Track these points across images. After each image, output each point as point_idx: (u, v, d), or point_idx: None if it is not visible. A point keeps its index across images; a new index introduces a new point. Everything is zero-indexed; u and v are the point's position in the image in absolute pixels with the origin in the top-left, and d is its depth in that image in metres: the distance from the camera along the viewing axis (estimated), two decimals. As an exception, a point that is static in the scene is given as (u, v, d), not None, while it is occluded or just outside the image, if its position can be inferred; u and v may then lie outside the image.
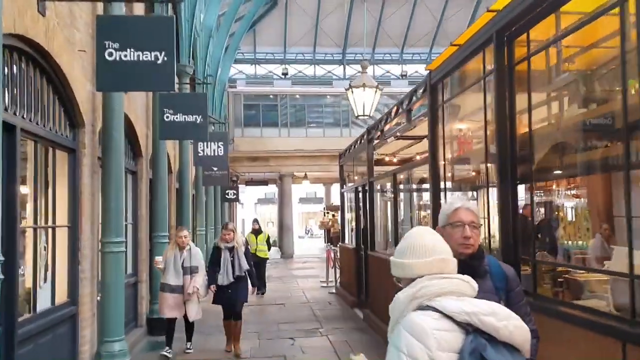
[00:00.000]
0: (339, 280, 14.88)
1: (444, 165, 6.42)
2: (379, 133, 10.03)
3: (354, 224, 14.05)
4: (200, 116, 8.46)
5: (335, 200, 45.08)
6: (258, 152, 27.89)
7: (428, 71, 6.76)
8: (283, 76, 29.75)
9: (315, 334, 9.57)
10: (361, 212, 12.24)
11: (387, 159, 11.36)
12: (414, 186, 9.56)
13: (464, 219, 2.71)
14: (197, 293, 7.97)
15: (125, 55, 5.31)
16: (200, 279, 7.97)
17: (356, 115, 14.11)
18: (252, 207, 59.61)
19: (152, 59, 5.31)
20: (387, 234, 11.03)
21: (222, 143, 11.49)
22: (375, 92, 13.96)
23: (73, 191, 6.61)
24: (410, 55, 30.21)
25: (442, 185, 6.50)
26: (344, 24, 28.84)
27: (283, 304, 13.02)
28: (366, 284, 11.43)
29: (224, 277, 7.98)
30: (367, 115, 13.82)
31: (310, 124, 29.56)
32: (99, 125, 7.15)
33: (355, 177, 13.93)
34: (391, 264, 2.23)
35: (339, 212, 36.21)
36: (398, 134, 9.55)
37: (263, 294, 14.22)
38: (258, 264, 12.41)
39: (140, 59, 5.30)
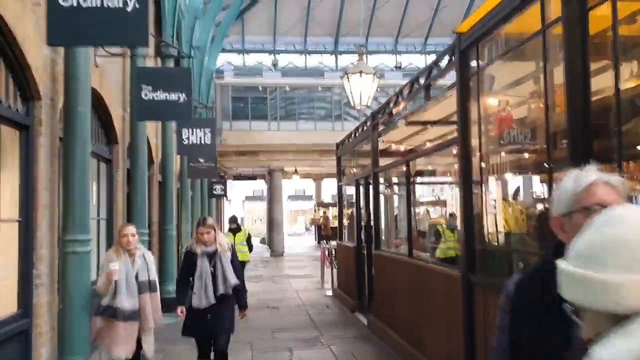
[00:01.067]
0: (336, 281, 13.77)
1: (479, 147, 5.32)
2: (385, 117, 8.91)
3: (353, 220, 12.99)
4: (183, 94, 7.29)
5: (326, 196, 44.07)
6: (247, 146, 26.71)
7: (456, 35, 5.64)
8: (273, 67, 28.55)
9: (315, 344, 8.44)
10: (363, 207, 11.14)
11: (394, 147, 10.25)
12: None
13: (606, 199, 1.57)
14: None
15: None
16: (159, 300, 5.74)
17: (352, 104, 13.11)
18: (240, 204, 58.57)
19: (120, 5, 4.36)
20: (395, 231, 9.96)
21: (209, 130, 10.31)
22: (374, 79, 12.98)
23: (26, 178, 5.42)
24: (405, 46, 29.14)
25: (477, 170, 5.41)
26: (337, 12, 27.69)
27: (277, 307, 11.89)
28: (369, 287, 10.33)
29: (201, 297, 5.43)
30: (364, 105, 12.79)
31: (301, 117, 28.41)
32: (61, 99, 5.94)
33: (354, 170, 12.82)
34: (564, 278, 1.11)
35: (334, 208, 35.40)
36: (408, 118, 8.45)
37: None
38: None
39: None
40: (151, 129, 11.17)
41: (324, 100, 28.83)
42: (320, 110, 28.72)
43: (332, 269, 14.40)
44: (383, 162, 9.65)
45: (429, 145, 8.82)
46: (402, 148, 10.14)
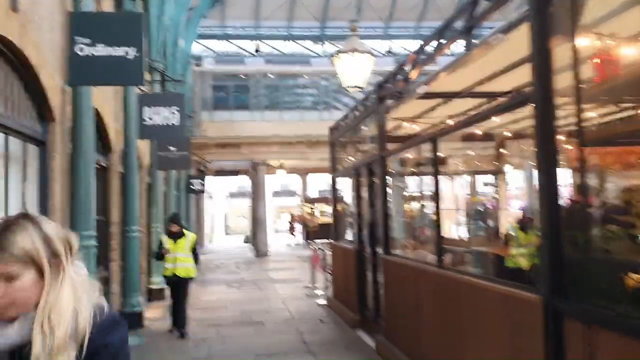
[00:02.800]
0: (330, 289, 11.88)
1: (574, 104, 3.46)
2: (400, 84, 7.03)
3: (342, 217, 11.19)
4: (133, 49, 5.36)
5: (313, 191, 42.16)
6: (228, 137, 24.77)
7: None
8: (255, 53, 26.56)
9: (311, 378, 6.57)
10: (365, 200, 9.29)
11: (405, 124, 8.39)
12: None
13: None
14: None
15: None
16: None
17: (344, 86, 11.37)
18: (224, 201, 56.50)
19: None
20: (414, 230, 8.14)
21: (177, 109, 8.38)
22: (368, 58, 11.21)
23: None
24: (397, 29, 27.29)
25: (564, 139, 3.56)
26: (324, -6, 25.83)
27: (261, 322, 9.98)
28: (376, 299, 8.48)
29: None
30: (358, 88, 11.04)
31: (286, 106, 26.50)
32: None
33: (352, 158, 10.98)
34: None
35: (321, 203, 33.54)
36: (431, 83, 6.57)
37: (184, 335, 8.89)
38: (178, 288, 9.08)
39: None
40: (108, 109, 9.21)
41: (310, 88, 26.95)
42: (307, 99, 26.83)
43: (325, 274, 12.52)
44: (392, 146, 7.82)
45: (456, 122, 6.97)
46: (415, 128, 8.29)
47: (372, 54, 11.03)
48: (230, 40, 27.27)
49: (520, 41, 4.74)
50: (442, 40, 5.69)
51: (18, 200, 5.85)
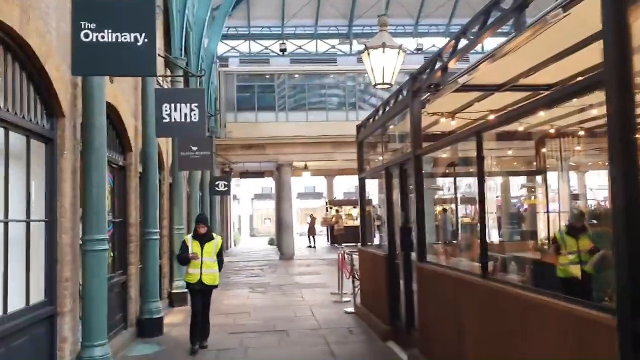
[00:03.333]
0: (358, 295, 11.28)
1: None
2: (436, 75, 6.40)
3: (369, 220, 10.55)
4: (142, 35, 4.84)
5: (339, 193, 41.60)
6: (253, 138, 24.37)
7: None
8: (281, 53, 26.07)
9: (340, 398, 5.98)
10: (396, 202, 8.68)
11: (441, 121, 7.76)
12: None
13: None
14: None
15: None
16: None
17: (374, 83, 10.80)
18: (248, 203, 56.27)
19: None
20: (450, 235, 7.50)
21: (196, 105, 7.87)
22: (399, 53, 10.60)
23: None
24: (427, 27, 26.57)
25: None
26: (350, -9, 25.25)
27: (285, 332, 9.42)
28: (408, 309, 7.86)
29: None
30: (387, 84, 10.44)
31: (312, 106, 25.97)
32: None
33: (379, 157, 10.38)
34: None
35: (347, 206, 32.90)
36: (472, 74, 5.95)
37: (204, 347, 8.32)
38: (202, 296, 8.33)
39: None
40: (126, 106, 8.77)
41: (337, 87, 26.38)
42: (332, 98, 26.26)
43: (352, 279, 11.91)
44: (427, 144, 7.19)
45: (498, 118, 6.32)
46: (452, 124, 7.66)
47: (402, 50, 10.46)
48: (256, 40, 26.83)
49: (582, 20, 4.13)
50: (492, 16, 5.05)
51: (21, 202, 5.39)
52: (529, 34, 4.59)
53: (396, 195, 8.65)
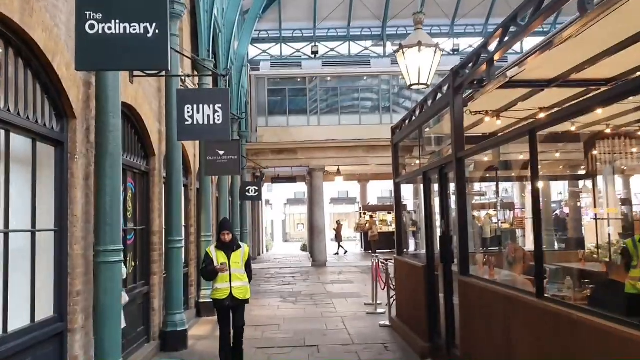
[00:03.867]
0: (394, 306, 10.63)
1: None
2: (481, 69, 5.76)
3: (415, 228, 9.91)
4: (154, 25, 4.34)
5: (372, 198, 40.87)
6: (284, 143, 23.95)
7: None
8: (313, 55, 25.58)
9: None
10: (435, 210, 8.05)
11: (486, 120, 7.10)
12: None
13: None
14: None
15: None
16: None
17: (409, 84, 10.21)
18: (281, 208, 55.95)
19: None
20: (494, 243, 6.83)
21: (220, 106, 7.36)
22: (435, 52, 9.99)
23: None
24: (463, 27, 25.75)
25: None
26: (384, -9, 24.62)
27: (316, 347, 8.85)
28: (449, 324, 7.20)
29: None
30: (423, 84, 9.82)
31: (345, 110, 25.40)
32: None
33: (416, 161, 9.74)
34: None
35: (382, 212, 32.13)
36: (524, 66, 5.30)
37: None
38: (234, 313, 7.35)
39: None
40: (148, 109, 8.34)
41: (370, 90, 25.75)
42: (366, 102, 25.65)
43: (387, 289, 11.27)
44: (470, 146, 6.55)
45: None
46: (498, 124, 6.99)
47: (439, 48, 9.84)
48: (287, 43, 26.41)
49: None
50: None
51: (26, 210, 4.95)
52: (591, 18, 3.96)
53: (435, 201, 8.02)
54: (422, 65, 9.72)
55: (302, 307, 12.93)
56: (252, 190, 20.44)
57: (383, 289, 11.50)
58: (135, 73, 7.42)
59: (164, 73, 7.81)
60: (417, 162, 9.80)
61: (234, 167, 10.68)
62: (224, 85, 12.89)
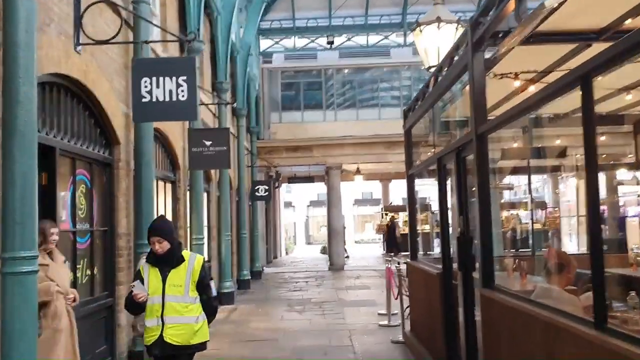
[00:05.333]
0: (408, 318, 9.11)
1: None
2: (509, 10, 4.24)
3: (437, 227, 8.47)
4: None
5: (396, 199, 39.22)
6: (299, 140, 22.55)
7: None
8: (328, 46, 24.12)
9: None
10: (451, 203, 6.56)
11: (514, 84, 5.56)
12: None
13: None
14: None
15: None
16: None
17: (426, 66, 8.91)
18: (304, 210, 54.70)
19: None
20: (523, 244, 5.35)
21: (184, 79, 5.89)
22: (457, 29, 8.68)
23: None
24: (488, 13, 24.02)
25: None
26: (404, -24, 23.06)
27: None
28: (469, 344, 5.71)
29: None
30: (444, 67, 8.34)
31: (363, 104, 23.92)
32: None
33: (432, 150, 8.26)
34: None
35: (404, 212, 30.46)
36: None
37: None
38: None
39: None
40: (107, 85, 6.98)
41: (390, 83, 24.22)
42: (385, 95, 24.12)
43: (400, 299, 9.74)
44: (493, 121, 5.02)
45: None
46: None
47: (461, 25, 8.42)
48: (301, 34, 24.99)
49: None
50: None
51: None
52: None
53: (451, 194, 6.52)
54: (442, 45, 8.43)
55: (308, 318, 11.49)
56: (261, 190, 19.12)
57: (396, 299, 9.98)
58: (83, 40, 6.11)
59: (120, 39, 6.51)
60: (433, 150, 8.32)
61: (223, 160, 9.26)
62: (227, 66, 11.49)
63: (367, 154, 22.64)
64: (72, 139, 6.20)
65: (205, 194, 13.31)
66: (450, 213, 6.94)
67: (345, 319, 11.25)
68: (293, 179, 28.45)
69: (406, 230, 27.69)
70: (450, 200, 6.87)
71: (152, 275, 4.67)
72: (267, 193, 19.06)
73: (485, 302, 4.76)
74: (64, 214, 6.07)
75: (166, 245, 4.64)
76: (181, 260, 4.70)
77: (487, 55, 5.17)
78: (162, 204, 9.70)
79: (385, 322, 10.47)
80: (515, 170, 9.58)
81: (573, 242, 13.16)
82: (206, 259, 10.51)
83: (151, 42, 6.83)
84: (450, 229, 6.74)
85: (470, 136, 5.06)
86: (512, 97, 5.77)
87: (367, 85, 24.16)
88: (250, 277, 17.03)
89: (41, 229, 4.84)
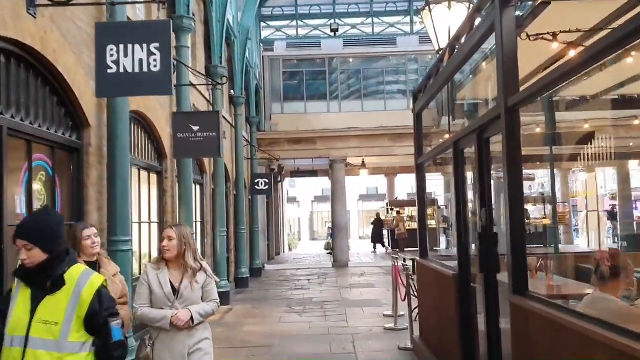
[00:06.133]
0: (417, 321, 8.19)
1: None
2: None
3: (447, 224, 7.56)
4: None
5: (402, 194, 38.29)
6: (301, 132, 21.66)
7: None
8: (332, 34, 23.19)
9: None
10: (471, 193, 5.65)
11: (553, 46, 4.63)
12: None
13: None
14: None
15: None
16: None
17: (436, 49, 8.08)
18: (309, 205, 53.88)
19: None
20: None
21: (157, 46, 5.01)
22: (469, 8, 7.85)
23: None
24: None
25: None
26: (411, -40, 22.10)
27: (309, 384, 6.52)
28: (491, 357, 4.80)
29: None
30: (455, 48, 7.45)
31: (368, 94, 22.98)
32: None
33: (443, 138, 7.35)
34: None
35: (410, 208, 29.52)
36: None
37: None
38: None
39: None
40: (74, 60, 6.09)
41: (396, 72, 23.27)
42: (391, 85, 23.16)
43: (408, 300, 8.83)
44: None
45: None
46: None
47: (473, 3, 7.55)
48: (304, 21, 24.04)
49: None
50: None
51: None
52: None
53: (472, 183, 5.59)
54: (453, 26, 7.63)
55: (308, 320, 10.60)
56: (262, 183, 18.22)
57: (403, 300, 9.07)
58: (39, 1, 5.21)
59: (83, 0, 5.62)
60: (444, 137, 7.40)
61: (212, 147, 8.34)
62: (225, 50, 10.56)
63: (373, 146, 21.78)
64: (28, 118, 5.30)
65: (198, 187, 12.46)
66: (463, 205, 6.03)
67: (348, 321, 10.35)
68: (296, 173, 27.55)
69: (412, 225, 26.91)
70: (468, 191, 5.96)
71: (20, 300, 2.92)
72: (267, 187, 18.16)
73: (518, 313, 3.85)
74: (16, 204, 5.18)
75: (38, 255, 2.87)
76: (60, 282, 2.90)
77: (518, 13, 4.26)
78: (146, 197, 8.84)
79: (392, 325, 9.57)
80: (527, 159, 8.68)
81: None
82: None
83: (121, 3, 5.88)
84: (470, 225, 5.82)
85: (498, 111, 4.14)
86: (548, 65, 4.82)
87: (372, 75, 23.22)
88: (249, 275, 16.15)
89: (71, 232, 4.12)
